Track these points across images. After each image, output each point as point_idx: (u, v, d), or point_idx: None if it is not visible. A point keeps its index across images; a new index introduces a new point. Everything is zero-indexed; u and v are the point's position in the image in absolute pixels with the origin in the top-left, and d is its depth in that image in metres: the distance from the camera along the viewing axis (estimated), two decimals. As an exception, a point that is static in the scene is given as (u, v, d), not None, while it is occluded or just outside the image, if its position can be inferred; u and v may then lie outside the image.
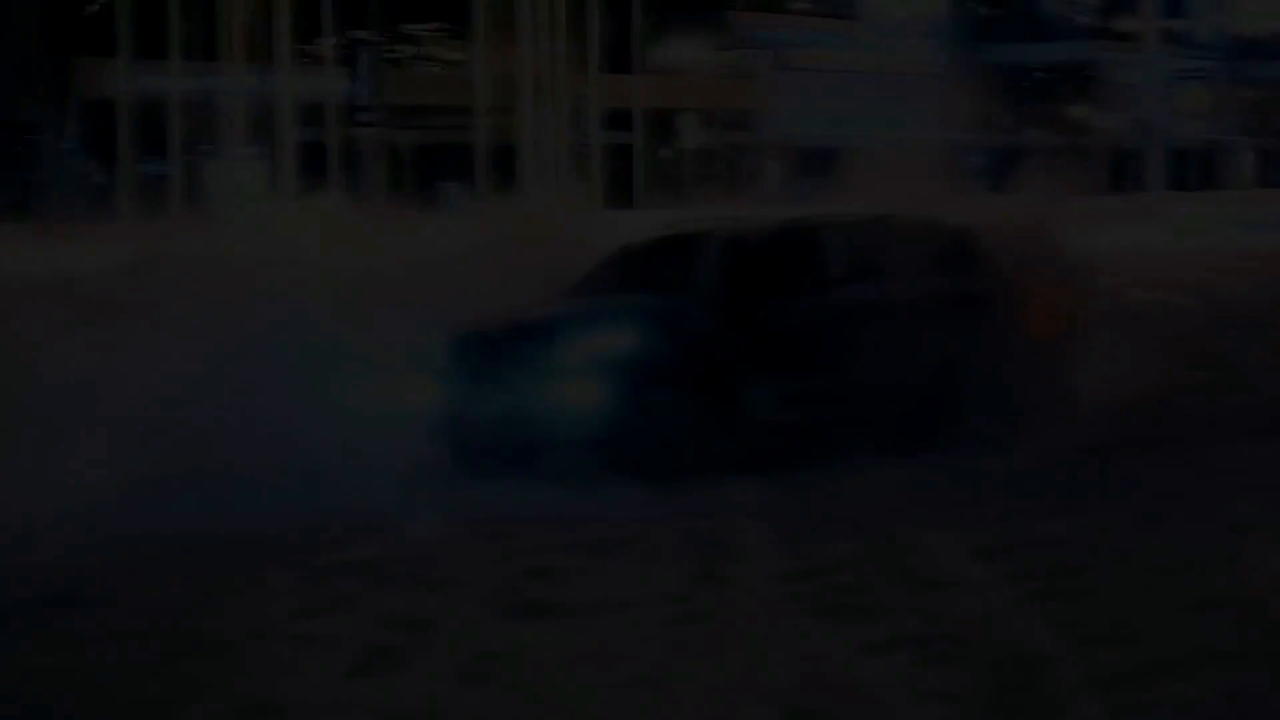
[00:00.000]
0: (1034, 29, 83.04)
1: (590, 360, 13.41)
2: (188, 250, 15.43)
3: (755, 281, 14.33)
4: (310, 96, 54.22)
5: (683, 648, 8.73)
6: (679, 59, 71.09)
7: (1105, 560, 10.33)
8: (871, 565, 10.37)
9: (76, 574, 10.44)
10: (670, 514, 11.97)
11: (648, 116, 63.21)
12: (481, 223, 18.22)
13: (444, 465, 13.19)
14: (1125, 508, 11.91)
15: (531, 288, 14.41)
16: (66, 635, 9.30)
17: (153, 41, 52.01)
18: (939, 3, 79.31)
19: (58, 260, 17.44)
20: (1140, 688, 7.86)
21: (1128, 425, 14.58)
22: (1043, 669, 8.17)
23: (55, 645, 9.14)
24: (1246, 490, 12.27)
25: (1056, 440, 14.02)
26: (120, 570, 10.64)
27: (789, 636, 8.92)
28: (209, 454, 12.38)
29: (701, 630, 9.09)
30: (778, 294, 14.29)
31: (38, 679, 8.58)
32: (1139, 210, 40.49)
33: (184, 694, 8.25)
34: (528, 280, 14.60)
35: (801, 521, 11.78)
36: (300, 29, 54.52)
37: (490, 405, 13.32)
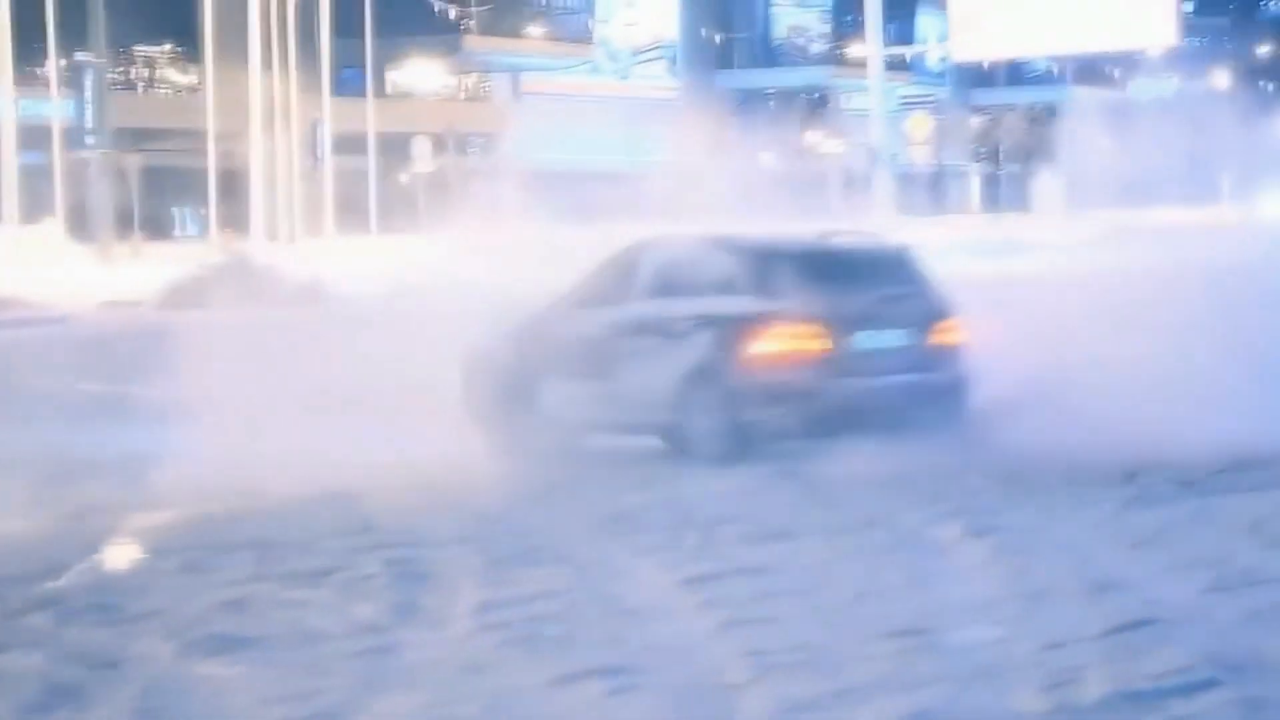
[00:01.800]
0: (769, 55, 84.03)
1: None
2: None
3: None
4: (33, 119, 53.12)
5: (371, 681, 8.59)
6: (415, 83, 70.84)
7: (802, 587, 10.35)
8: (573, 594, 10.30)
9: None
10: (373, 544, 11.79)
11: (382, 140, 62.82)
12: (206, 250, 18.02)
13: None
14: (826, 533, 11.96)
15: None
16: None
17: None
18: (675, 29, 79.95)
19: None
20: (822, 714, 7.90)
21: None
22: (729, 698, 8.17)
23: None
24: (952, 515, 12.38)
25: (773, 464, 14.15)
26: None
27: (481, 669, 8.82)
28: None
29: (393, 663, 8.95)
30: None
31: None
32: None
33: None
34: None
35: (507, 549, 11.67)
36: (23, 50, 53.43)
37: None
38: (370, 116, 62.31)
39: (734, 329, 15.06)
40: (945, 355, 15.32)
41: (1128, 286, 17.83)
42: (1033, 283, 21.74)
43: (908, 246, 16.21)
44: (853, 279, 15.35)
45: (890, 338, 15.30)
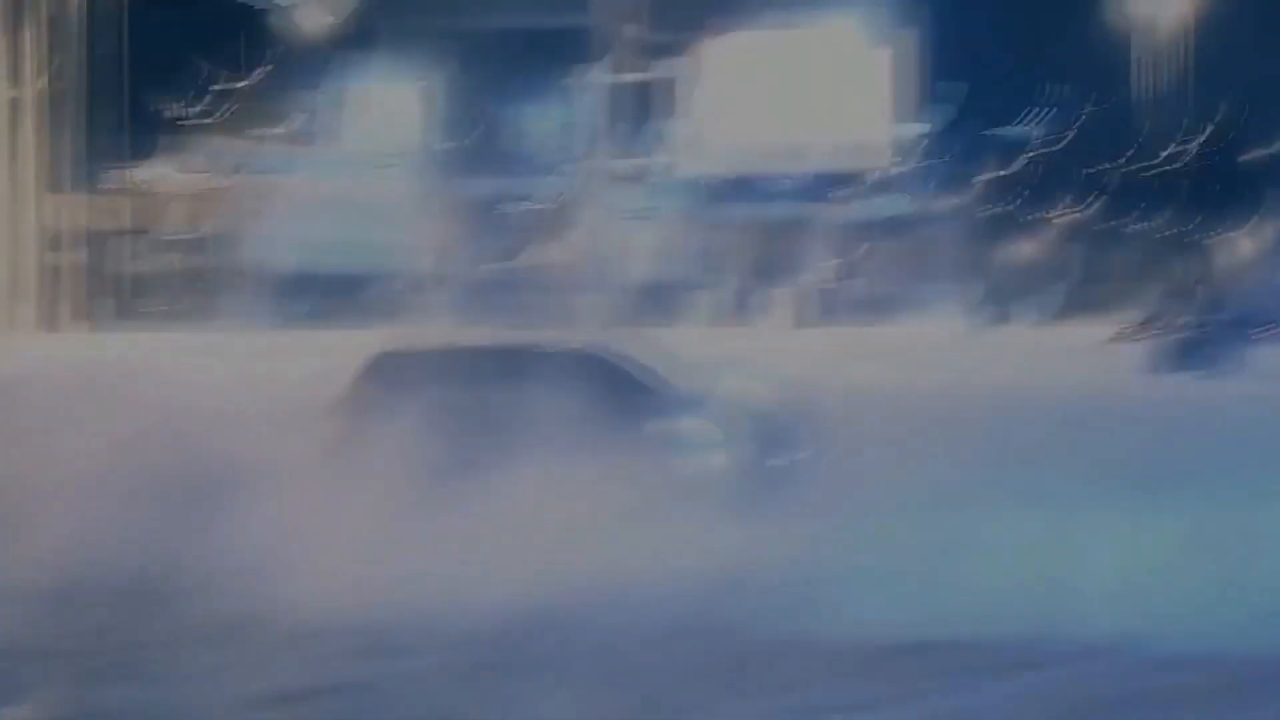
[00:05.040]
0: (506, 163, 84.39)
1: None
2: None
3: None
4: None
5: None
6: (142, 179, 70.00)
7: None
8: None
9: None
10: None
11: (106, 237, 61.96)
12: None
13: None
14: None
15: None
16: None
17: None
18: (412, 134, 79.96)
19: None
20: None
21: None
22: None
23: None
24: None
25: None
26: None
27: None
28: None
29: None
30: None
31: None
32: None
33: None
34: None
35: None
36: None
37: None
38: (92, 212, 61.42)
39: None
40: None
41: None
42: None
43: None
44: None
45: None
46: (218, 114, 71.58)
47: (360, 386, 16.66)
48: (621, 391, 16.80)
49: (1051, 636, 11.57)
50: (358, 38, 76.94)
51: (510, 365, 16.73)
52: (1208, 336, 57.59)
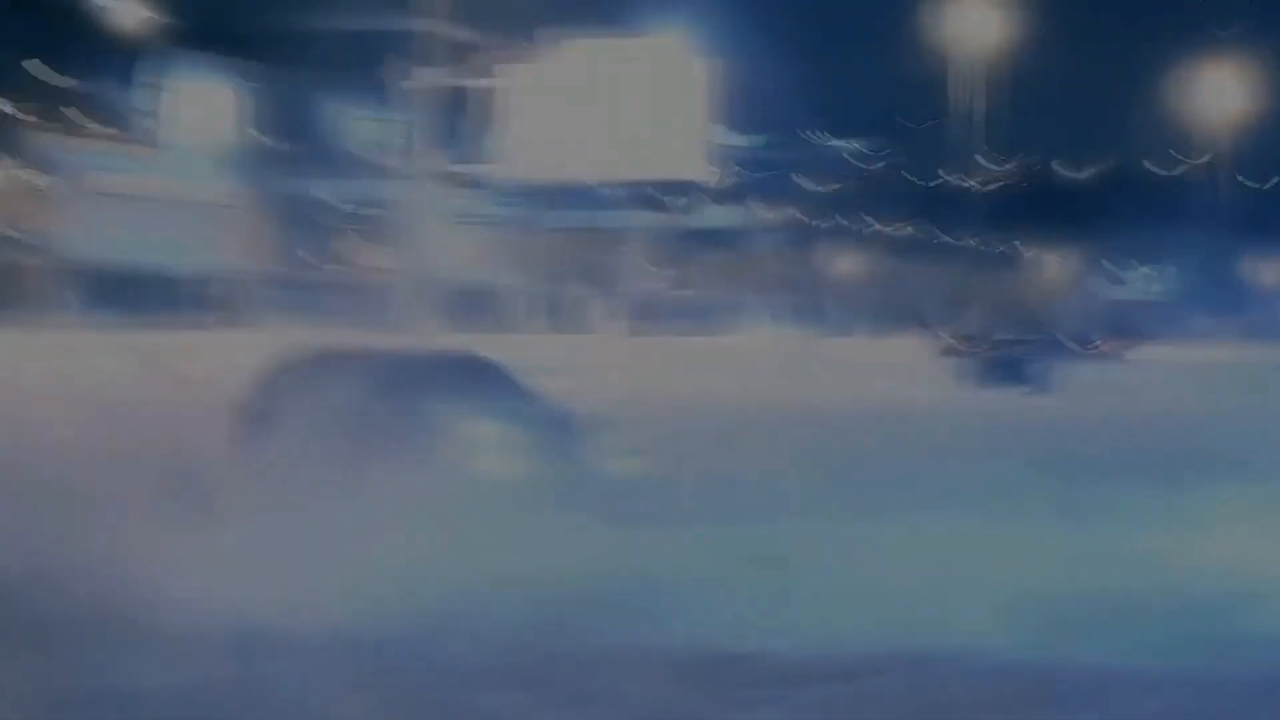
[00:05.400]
0: (333, 165, 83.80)
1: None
2: None
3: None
4: None
5: None
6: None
7: None
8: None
9: None
10: None
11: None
12: None
13: None
14: None
15: None
16: None
17: None
18: (236, 134, 79.21)
19: None
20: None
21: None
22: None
23: None
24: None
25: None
26: None
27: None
28: None
29: None
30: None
31: None
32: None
33: None
34: None
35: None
36: None
37: None
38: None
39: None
40: None
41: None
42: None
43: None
44: None
45: None
46: (37, 112, 70.54)
47: (267, 387, 17.11)
48: (497, 396, 17.64)
49: (871, 646, 11.62)
50: (182, 37, 76.13)
51: (403, 370, 17.56)
52: (1027, 353, 58.36)
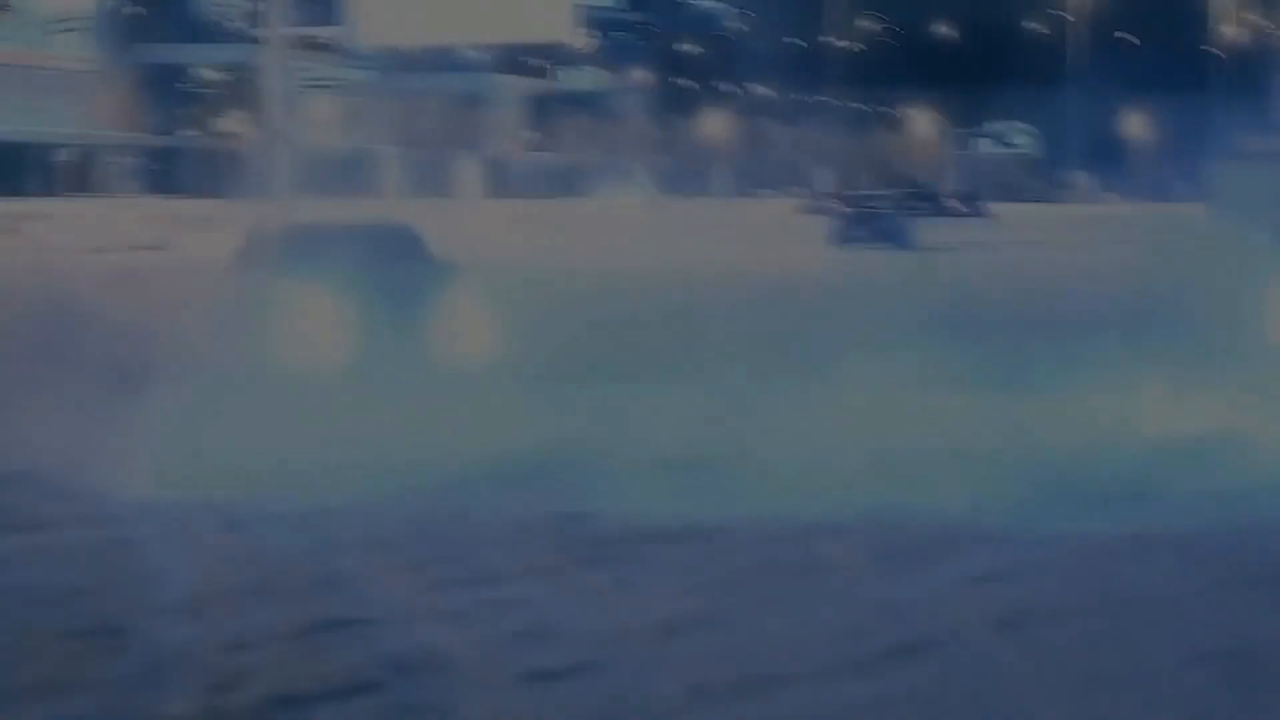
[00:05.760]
0: (188, 31, 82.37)
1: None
2: None
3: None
4: None
5: None
6: None
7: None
8: None
9: None
10: None
11: None
12: None
13: None
14: None
15: None
16: None
17: None
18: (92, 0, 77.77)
19: None
20: None
21: None
22: None
23: None
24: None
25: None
26: None
27: None
28: None
29: None
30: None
31: None
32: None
33: None
34: None
35: None
36: None
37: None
38: None
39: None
40: None
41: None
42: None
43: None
44: None
45: None
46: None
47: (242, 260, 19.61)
48: (426, 261, 20.33)
49: (728, 509, 11.34)
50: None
51: (353, 241, 20.04)
52: (896, 210, 58.44)
